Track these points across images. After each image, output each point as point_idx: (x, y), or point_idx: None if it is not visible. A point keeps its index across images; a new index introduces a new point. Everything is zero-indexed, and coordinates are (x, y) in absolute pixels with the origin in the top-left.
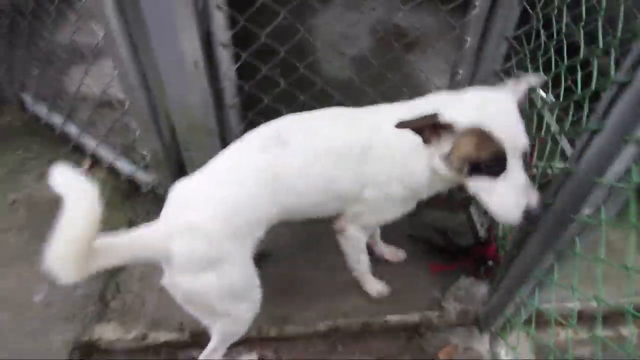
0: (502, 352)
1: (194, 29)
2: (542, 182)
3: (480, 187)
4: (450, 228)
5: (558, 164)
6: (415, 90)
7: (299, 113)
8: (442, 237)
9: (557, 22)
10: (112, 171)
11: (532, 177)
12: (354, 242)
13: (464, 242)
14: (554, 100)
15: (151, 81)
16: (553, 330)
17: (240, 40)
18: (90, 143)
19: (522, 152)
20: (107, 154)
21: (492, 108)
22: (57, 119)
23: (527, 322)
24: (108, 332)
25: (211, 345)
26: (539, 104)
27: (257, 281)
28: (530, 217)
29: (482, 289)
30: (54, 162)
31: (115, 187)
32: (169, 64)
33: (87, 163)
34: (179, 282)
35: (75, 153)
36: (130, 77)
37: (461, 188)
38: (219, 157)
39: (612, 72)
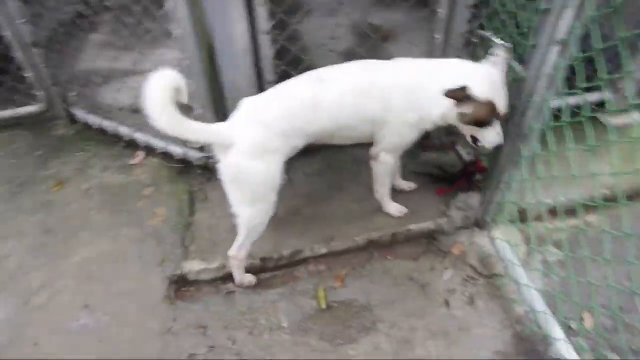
0: (497, 234)
1: (245, 21)
2: None
3: (474, 130)
4: (444, 163)
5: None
6: None
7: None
8: (439, 169)
9: None
10: (166, 156)
11: None
12: (384, 166)
13: (456, 169)
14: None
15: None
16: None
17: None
18: (141, 137)
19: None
20: (158, 143)
21: (496, 86)
22: (108, 124)
23: (515, 219)
24: (194, 266)
25: (239, 239)
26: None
27: (277, 189)
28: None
29: (475, 198)
30: (112, 156)
31: (170, 168)
32: (225, 51)
33: (140, 154)
34: (236, 162)
35: (128, 148)
36: (195, 67)
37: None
38: (277, 86)
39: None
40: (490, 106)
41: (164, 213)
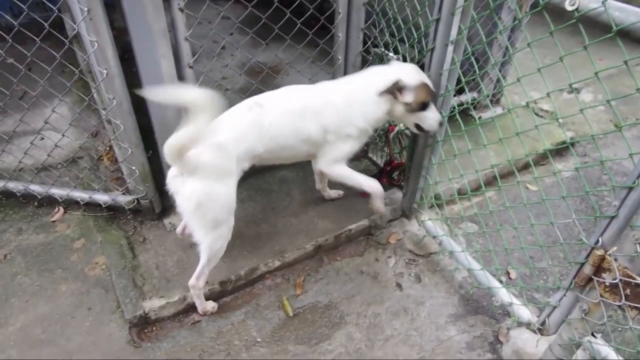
0: (424, 218)
1: (171, 56)
2: None
3: (419, 116)
4: (361, 170)
5: None
6: None
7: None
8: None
9: (389, 11)
10: (90, 206)
11: None
12: (337, 173)
13: (374, 172)
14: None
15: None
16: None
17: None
18: (59, 192)
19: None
20: (81, 195)
21: (420, 73)
22: (14, 185)
23: (435, 206)
24: (155, 304)
25: (199, 267)
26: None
27: (233, 212)
28: (440, 124)
29: (398, 193)
30: (25, 218)
31: (96, 217)
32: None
33: (60, 210)
34: (198, 187)
35: (42, 207)
36: (124, 105)
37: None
38: (221, 116)
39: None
40: (426, 88)
41: (104, 262)
